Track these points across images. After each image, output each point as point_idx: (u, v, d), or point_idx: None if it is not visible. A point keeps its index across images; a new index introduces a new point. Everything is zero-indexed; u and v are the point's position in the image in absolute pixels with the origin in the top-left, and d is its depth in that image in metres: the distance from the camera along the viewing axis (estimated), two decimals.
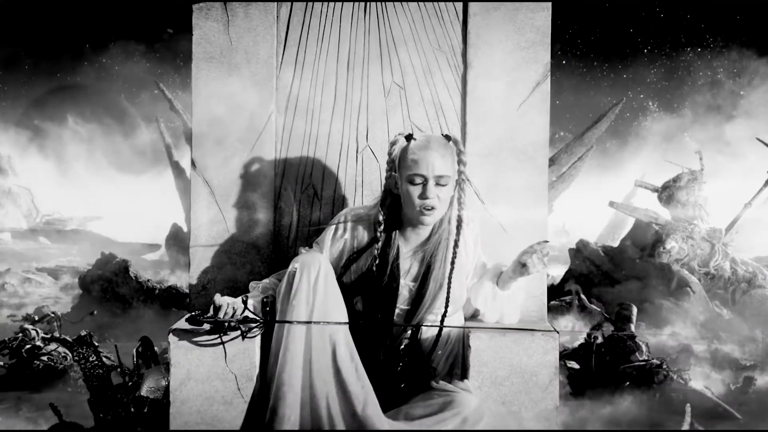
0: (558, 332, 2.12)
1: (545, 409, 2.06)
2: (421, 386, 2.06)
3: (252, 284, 2.15)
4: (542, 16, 2.39)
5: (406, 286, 2.08)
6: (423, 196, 1.99)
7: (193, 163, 2.40)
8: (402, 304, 2.07)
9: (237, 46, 2.40)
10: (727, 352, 4.23)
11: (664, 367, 3.23)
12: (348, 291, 2.05)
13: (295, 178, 2.45)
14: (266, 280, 2.14)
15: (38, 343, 3.46)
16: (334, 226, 2.14)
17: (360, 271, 2.08)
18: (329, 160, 2.45)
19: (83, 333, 2.57)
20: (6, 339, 3.55)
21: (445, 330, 2.08)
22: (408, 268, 2.09)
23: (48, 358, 3.43)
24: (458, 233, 2.07)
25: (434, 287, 2.05)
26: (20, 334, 3.52)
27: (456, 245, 2.06)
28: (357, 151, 2.44)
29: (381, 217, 2.06)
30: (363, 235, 2.10)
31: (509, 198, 2.38)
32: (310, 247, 2.18)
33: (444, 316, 2.05)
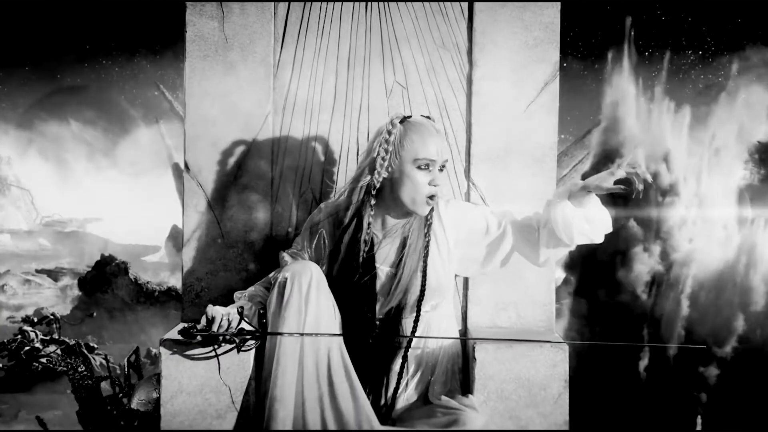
0: (568, 344, 2.04)
1: (555, 424, 1.98)
2: (424, 401, 1.98)
3: (236, 294, 2.06)
4: (551, 13, 2.30)
5: (384, 272, 1.99)
6: (434, 182, 1.93)
7: (186, 166, 2.32)
8: (382, 294, 1.98)
9: (232, 44, 2.32)
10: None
11: None
12: (333, 288, 1.95)
13: (292, 182, 2.36)
14: (251, 288, 2.05)
15: (37, 344, 3.41)
16: (308, 222, 2.10)
17: (338, 263, 1.99)
18: (328, 163, 2.36)
19: (72, 342, 2.49)
20: (5, 341, 3.53)
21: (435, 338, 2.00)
22: (385, 255, 2.00)
23: (47, 360, 3.39)
24: (431, 213, 1.99)
25: (408, 272, 1.96)
26: (19, 336, 3.49)
27: (429, 227, 1.98)
28: (357, 154, 2.35)
29: (372, 202, 1.97)
30: (338, 227, 2.04)
31: (516, 202, 2.29)
32: (289, 246, 2.12)
33: (420, 302, 1.95)
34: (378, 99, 2.35)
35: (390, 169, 1.94)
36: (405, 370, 1.97)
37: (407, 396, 1.98)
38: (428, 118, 2.01)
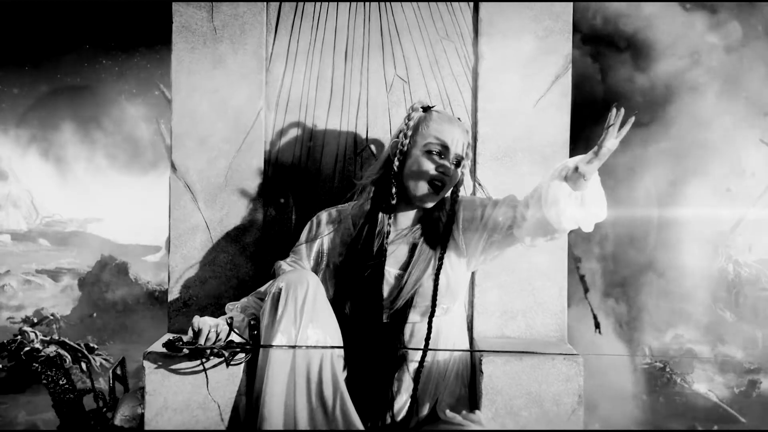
0: (582, 356, 1.91)
1: None
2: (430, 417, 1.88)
3: (228, 306, 1.94)
4: (562, 3, 2.20)
5: (392, 274, 1.88)
6: (441, 168, 1.84)
7: (172, 166, 2.20)
8: (389, 297, 1.87)
9: (222, 35, 2.21)
10: (731, 355, 4.27)
11: (667, 370, 3.30)
12: (337, 294, 1.87)
13: (287, 182, 2.24)
14: (244, 300, 1.94)
15: (37, 345, 3.36)
16: (307, 229, 1.99)
17: (344, 264, 1.89)
18: (325, 162, 2.25)
19: (52, 354, 2.39)
20: (5, 341, 3.49)
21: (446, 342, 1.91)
22: (394, 257, 1.90)
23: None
24: (454, 216, 1.90)
25: (414, 279, 1.86)
26: (19, 337, 3.44)
27: (450, 230, 1.89)
28: (356, 152, 2.25)
29: (393, 189, 1.88)
30: (343, 232, 1.94)
31: None
32: (287, 256, 2.00)
33: (432, 315, 1.85)
34: (377, 94, 2.25)
35: (403, 154, 1.88)
36: (417, 384, 1.87)
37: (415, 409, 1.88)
38: (458, 119, 1.95)
